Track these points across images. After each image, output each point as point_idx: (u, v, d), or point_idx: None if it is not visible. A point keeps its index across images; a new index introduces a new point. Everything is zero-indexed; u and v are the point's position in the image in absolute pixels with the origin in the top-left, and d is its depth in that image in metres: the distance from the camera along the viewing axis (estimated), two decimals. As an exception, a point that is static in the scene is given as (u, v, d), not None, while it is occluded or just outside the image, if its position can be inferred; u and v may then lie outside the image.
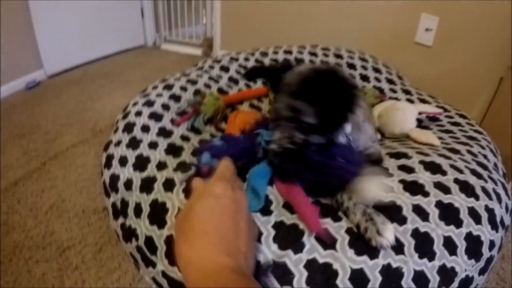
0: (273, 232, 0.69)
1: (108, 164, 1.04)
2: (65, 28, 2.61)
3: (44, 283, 1.07)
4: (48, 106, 2.13)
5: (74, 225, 1.27)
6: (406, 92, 1.68)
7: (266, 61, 1.75)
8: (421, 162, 0.91)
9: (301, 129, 0.71)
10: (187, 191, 0.75)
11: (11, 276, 1.10)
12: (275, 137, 0.72)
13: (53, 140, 1.78)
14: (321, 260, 0.65)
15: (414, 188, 0.82)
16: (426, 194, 0.80)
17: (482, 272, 0.79)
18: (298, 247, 0.67)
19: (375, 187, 0.76)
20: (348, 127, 0.78)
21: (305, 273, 0.64)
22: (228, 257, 0.47)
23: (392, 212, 0.75)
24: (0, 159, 1.64)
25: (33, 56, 2.47)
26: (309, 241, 0.68)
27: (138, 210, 0.84)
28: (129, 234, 0.83)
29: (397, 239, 0.72)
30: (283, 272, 0.64)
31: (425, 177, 0.85)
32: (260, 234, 0.69)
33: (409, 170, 0.88)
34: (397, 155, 0.95)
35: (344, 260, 0.65)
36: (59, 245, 1.19)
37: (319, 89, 0.70)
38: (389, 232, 0.66)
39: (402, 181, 0.84)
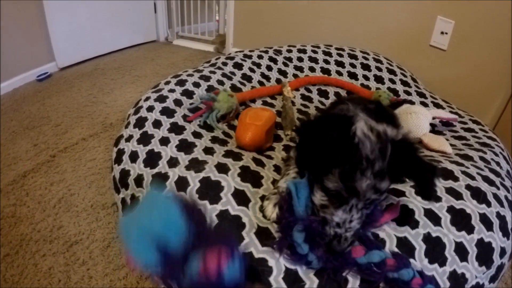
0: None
1: (118, 159, 1.04)
2: (78, 21, 2.61)
3: (51, 278, 1.06)
4: (58, 99, 2.12)
5: (82, 219, 1.25)
6: (421, 95, 1.67)
7: (280, 59, 1.74)
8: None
9: (369, 205, 0.64)
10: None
11: (17, 268, 1.09)
12: (339, 219, 0.63)
13: (63, 133, 1.77)
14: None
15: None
16: (438, 199, 0.81)
17: (492, 280, 0.79)
18: None
19: None
20: None
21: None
22: None
23: (404, 216, 0.76)
24: (9, 150, 1.63)
25: (45, 49, 2.46)
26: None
27: (149, 208, 0.82)
28: (138, 232, 0.82)
29: (408, 243, 0.73)
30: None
31: (437, 183, 0.84)
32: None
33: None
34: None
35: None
36: (67, 239, 1.18)
37: (403, 171, 0.63)
38: None
39: (413, 186, 0.84)
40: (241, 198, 0.76)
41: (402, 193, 0.82)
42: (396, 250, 0.71)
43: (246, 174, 0.82)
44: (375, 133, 0.60)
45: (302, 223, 0.63)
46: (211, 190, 0.77)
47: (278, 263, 0.65)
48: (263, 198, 0.77)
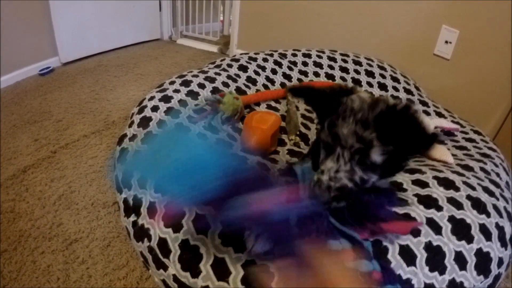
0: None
1: (121, 159, 1.03)
2: (83, 16, 2.60)
3: (49, 275, 1.05)
4: (61, 94, 2.11)
5: (83, 217, 1.25)
6: (423, 103, 1.68)
7: (285, 62, 1.73)
8: (435, 177, 0.93)
9: (362, 166, 0.63)
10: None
11: (15, 265, 1.08)
12: (327, 166, 0.63)
13: (65, 129, 1.76)
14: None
15: (428, 201, 0.85)
16: (439, 208, 0.83)
17: None
18: None
19: None
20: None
21: None
22: None
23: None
24: (9, 144, 1.62)
25: (49, 43, 2.45)
26: None
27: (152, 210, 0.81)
28: (141, 233, 0.82)
29: (410, 251, 0.74)
30: None
31: (438, 192, 0.87)
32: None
33: (423, 184, 0.91)
34: (411, 171, 0.98)
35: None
36: (66, 237, 1.17)
37: (394, 127, 0.62)
38: None
39: (416, 195, 0.87)
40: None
41: (405, 202, 0.83)
42: (398, 257, 0.71)
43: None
44: (373, 96, 0.65)
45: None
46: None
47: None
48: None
